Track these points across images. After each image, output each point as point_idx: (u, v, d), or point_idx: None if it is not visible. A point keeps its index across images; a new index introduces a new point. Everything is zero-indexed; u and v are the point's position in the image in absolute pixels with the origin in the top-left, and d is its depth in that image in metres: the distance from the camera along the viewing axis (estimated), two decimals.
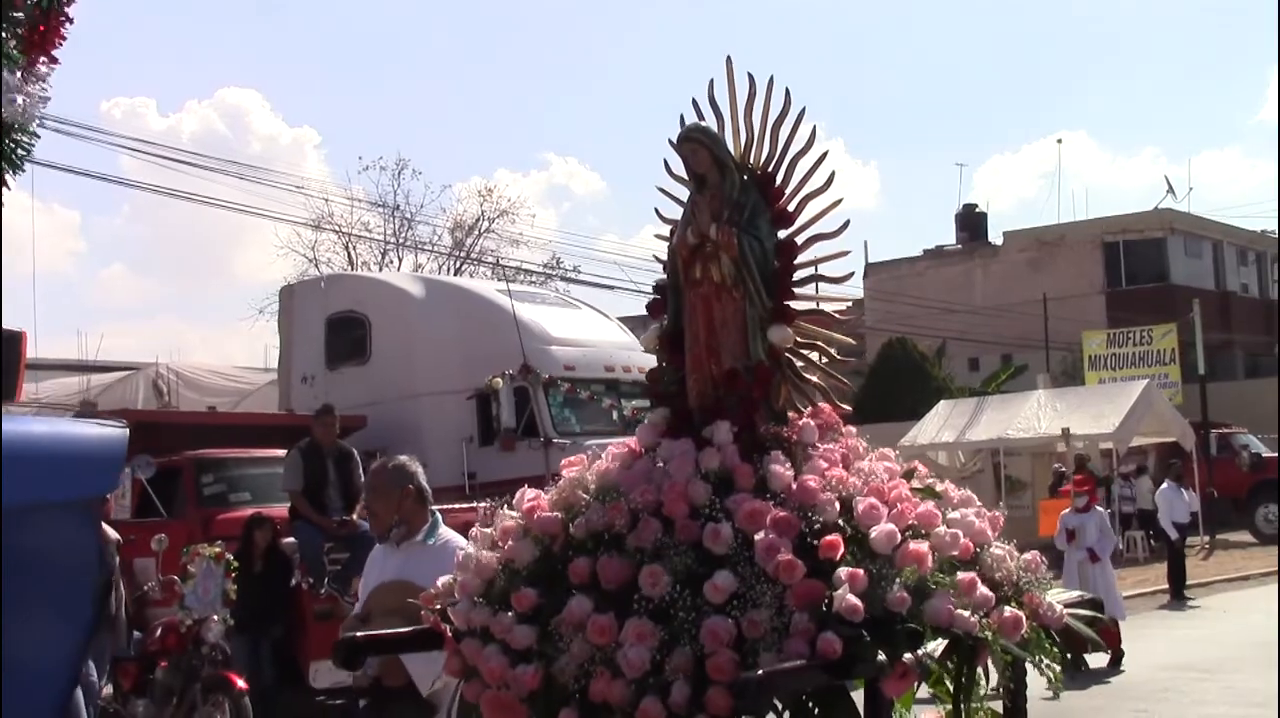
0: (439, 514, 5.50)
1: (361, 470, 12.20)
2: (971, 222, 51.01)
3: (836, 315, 4.13)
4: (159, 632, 9.67)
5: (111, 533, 9.86)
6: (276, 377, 20.24)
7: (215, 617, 9.27)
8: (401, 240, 40.87)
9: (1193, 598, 18.84)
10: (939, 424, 26.19)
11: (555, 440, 14.91)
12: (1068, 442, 24.27)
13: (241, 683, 9.14)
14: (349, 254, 41.56)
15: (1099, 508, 14.89)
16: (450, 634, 3.84)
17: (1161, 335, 32.80)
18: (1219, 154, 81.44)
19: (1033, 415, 25.73)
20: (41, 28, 4.81)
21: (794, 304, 4.07)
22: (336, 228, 39.99)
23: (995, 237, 50.78)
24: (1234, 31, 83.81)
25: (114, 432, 3.03)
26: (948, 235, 52.38)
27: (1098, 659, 12.38)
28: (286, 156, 64.05)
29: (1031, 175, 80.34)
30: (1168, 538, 19.19)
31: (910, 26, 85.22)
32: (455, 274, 39.63)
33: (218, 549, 9.55)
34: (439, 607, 3.94)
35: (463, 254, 41.28)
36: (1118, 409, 24.86)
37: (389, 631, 4.27)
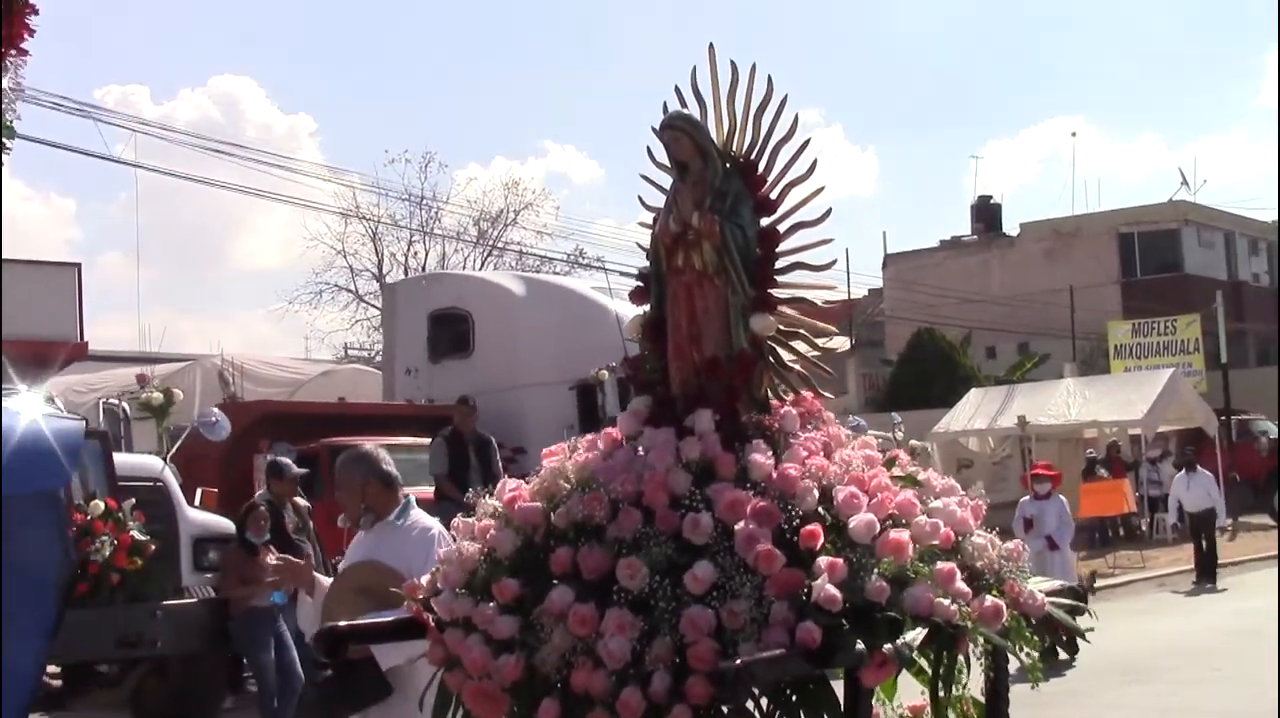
0: (412, 498, 5.57)
1: (499, 456, 13.62)
2: (987, 213, 51.90)
3: (820, 304, 4.13)
4: None
5: (302, 501, 11.17)
6: (323, 370, 21.48)
7: None
8: (429, 231, 41.16)
9: (1221, 582, 18.81)
10: (971, 412, 26.99)
11: None
12: (1099, 429, 25.42)
13: None
14: (375, 246, 42.02)
15: (1060, 496, 14.46)
16: (433, 624, 3.84)
17: (1186, 325, 33.76)
18: (1220, 139, 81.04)
19: (1063, 403, 26.49)
20: (5, 24, 4.80)
21: (777, 292, 4.06)
22: (363, 217, 40.24)
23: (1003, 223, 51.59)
24: (1231, 14, 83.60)
25: (70, 424, 3.02)
26: (950, 221, 52.91)
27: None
28: (282, 144, 63.88)
29: (1030, 160, 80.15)
30: (1192, 523, 19.22)
31: (904, 10, 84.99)
32: (481, 265, 40.74)
33: None
34: (422, 596, 3.95)
35: (489, 245, 41.67)
36: (1145, 397, 25.58)
37: (371, 620, 4.28)
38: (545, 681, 3.55)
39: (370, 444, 5.69)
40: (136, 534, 9.38)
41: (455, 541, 4.01)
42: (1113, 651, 12.02)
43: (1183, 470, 20.17)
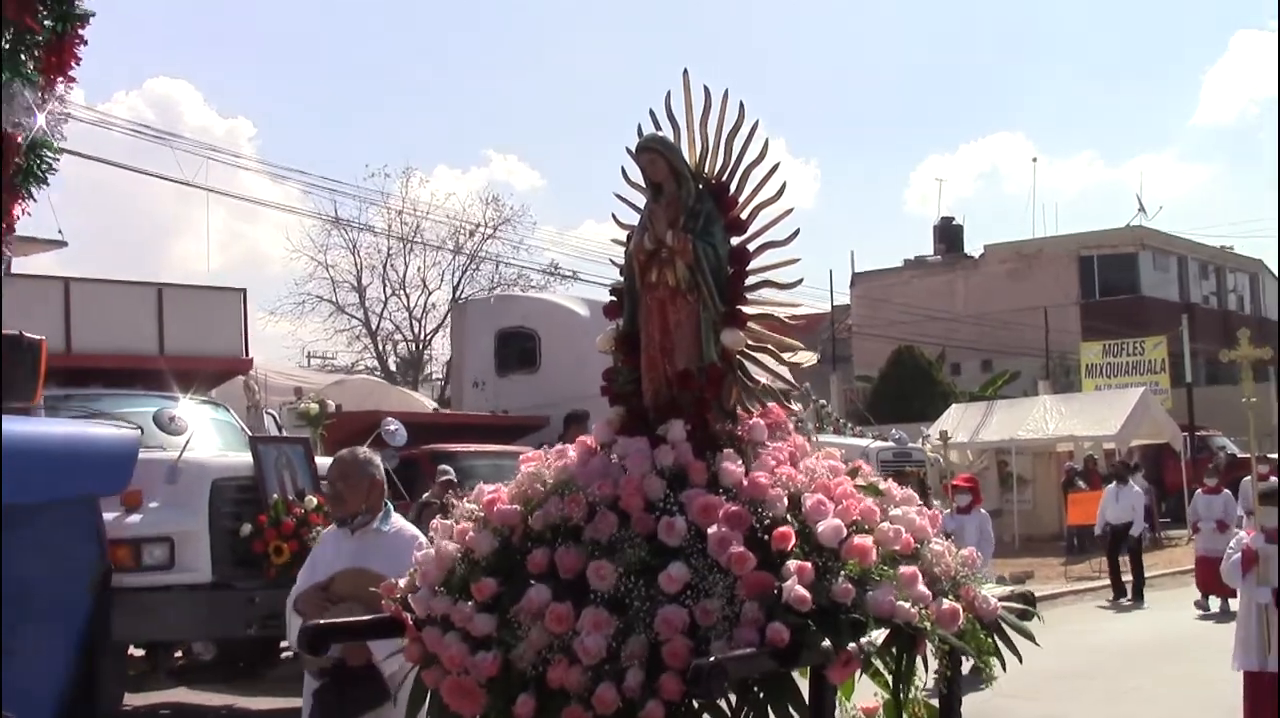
0: (390, 503, 5.72)
1: None
2: (949, 234, 54.21)
3: (787, 320, 4.31)
4: None
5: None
6: (335, 380, 22.97)
7: None
8: (409, 243, 41.74)
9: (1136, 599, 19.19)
10: (953, 426, 28.41)
11: None
12: (1075, 443, 27.50)
13: None
14: (355, 257, 43.14)
15: (982, 510, 14.31)
16: (411, 622, 3.97)
17: (1153, 346, 36.39)
18: (1155, 158, 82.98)
19: (1040, 419, 28.83)
20: (57, 53, 5.02)
21: (746, 308, 4.24)
22: (346, 223, 41.10)
23: (927, 234, 53.25)
24: (1169, 36, 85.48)
25: (126, 433, 3.15)
26: (888, 236, 54.37)
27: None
28: (220, 149, 63.36)
29: (968, 176, 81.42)
30: (1111, 535, 19.49)
31: (845, 23, 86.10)
32: (461, 276, 43.53)
33: None
34: (399, 596, 4.07)
35: (469, 257, 42.92)
36: (1118, 414, 28.00)
37: (352, 618, 4.39)
38: (522, 676, 3.68)
39: (365, 449, 5.83)
40: None
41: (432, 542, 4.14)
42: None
43: (1113, 483, 20.44)
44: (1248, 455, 29.52)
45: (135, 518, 10.22)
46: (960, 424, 29.07)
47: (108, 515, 10.34)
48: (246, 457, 10.79)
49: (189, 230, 65.34)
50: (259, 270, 71.30)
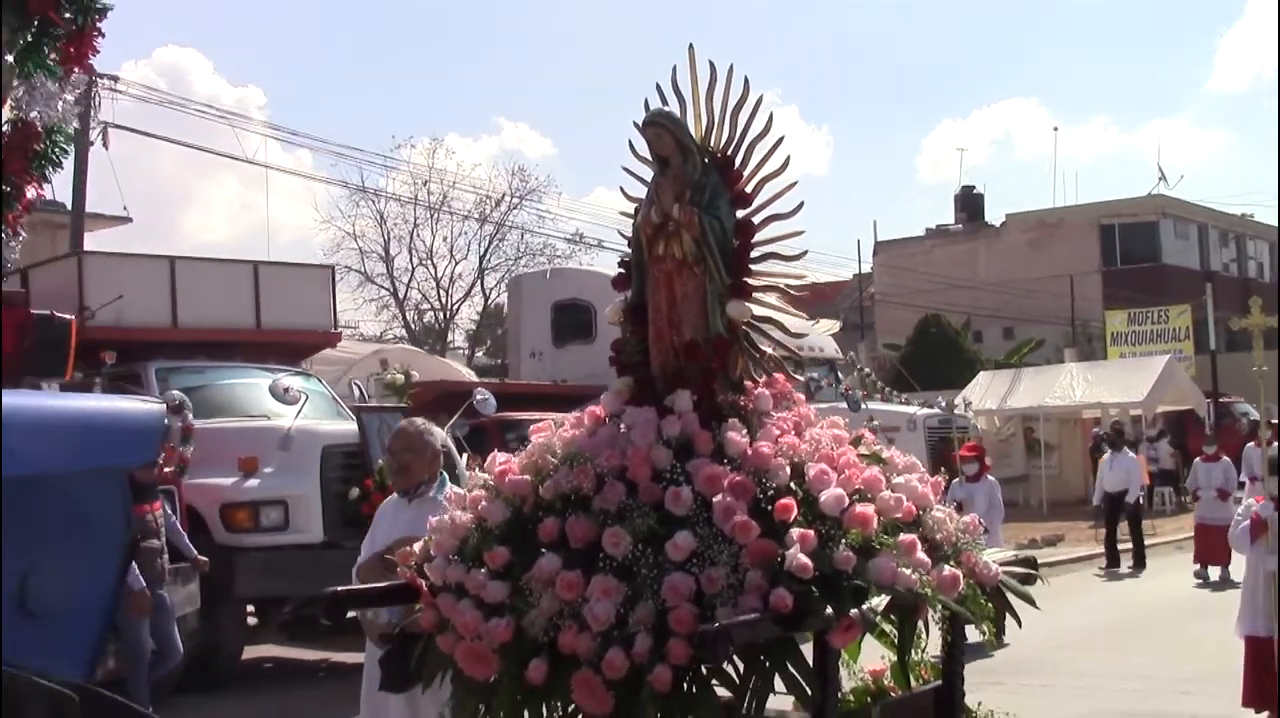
0: (444, 473, 5.97)
1: None
2: (970, 203, 54.03)
3: (793, 292, 4.38)
4: None
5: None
6: (373, 350, 22.67)
7: None
8: (435, 212, 42.08)
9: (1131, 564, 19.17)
10: (980, 393, 28.97)
11: None
12: (1102, 409, 27.84)
13: None
14: (382, 228, 43.43)
15: (990, 477, 14.08)
16: (426, 589, 4.07)
17: (1177, 315, 36.98)
18: (1169, 123, 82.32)
19: (1067, 386, 29.20)
20: (77, 44, 5.24)
21: (751, 280, 4.31)
22: (373, 192, 41.58)
23: (948, 197, 53.39)
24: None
25: (152, 408, 3.31)
26: (904, 201, 54.10)
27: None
28: (211, 115, 63.23)
29: (982, 142, 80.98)
30: (1107, 503, 19.37)
31: None
32: (488, 246, 43.64)
33: None
34: (415, 563, 4.18)
35: (495, 226, 43.04)
36: (1144, 381, 28.48)
37: (368, 585, 4.51)
38: (533, 642, 3.78)
39: (423, 419, 6.11)
40: None
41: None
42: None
43: (1108, 451, 20.19)
44: (1274, 420, 29.85)
45: (253, 482, 11.11)
46: (988, 391, 29.51)
47: (226, 480, 11.01)
48: (351, 424, 11.56)
49: (198, 201, 65.49)
50: (272, 238, 71.61)
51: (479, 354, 45.61)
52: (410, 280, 44.97)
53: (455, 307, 46.00)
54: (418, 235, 43.75)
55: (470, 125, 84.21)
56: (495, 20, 74.14)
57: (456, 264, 44.90)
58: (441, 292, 45.29)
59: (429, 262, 44.70)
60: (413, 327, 45.61)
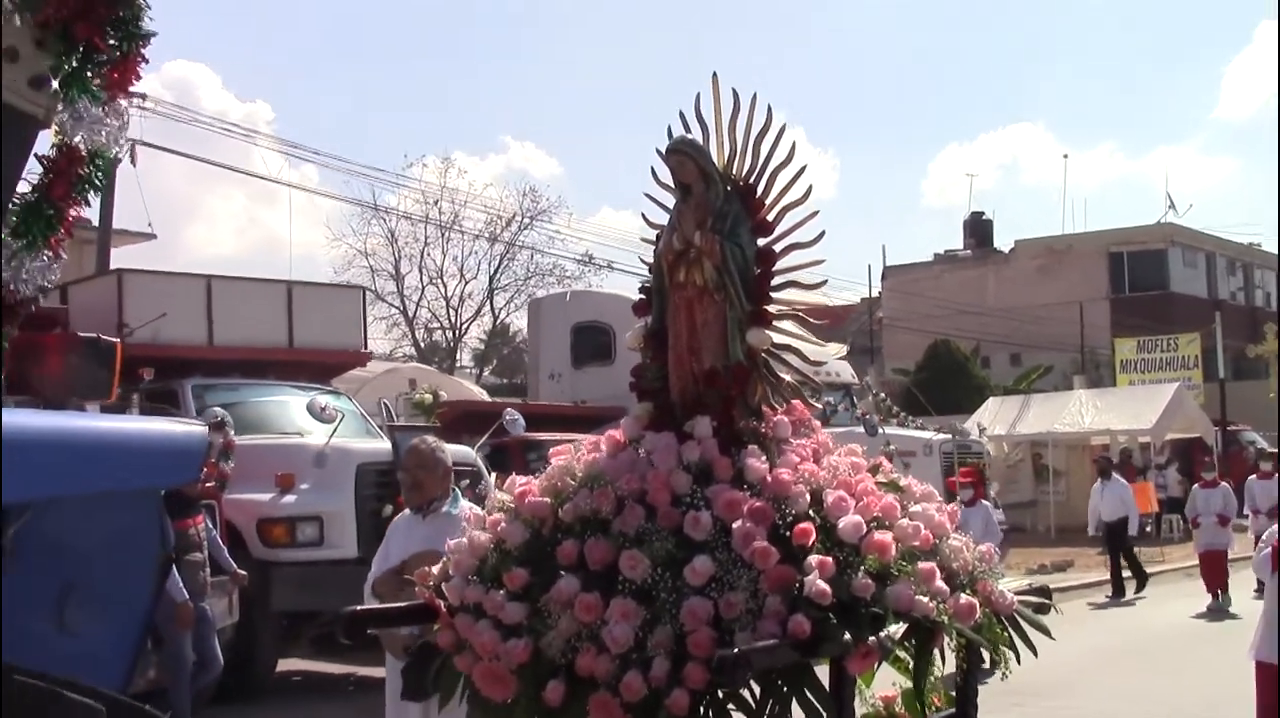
0: (457, 489, 6.18)
1: None
2: (979, 228, 54.65)
3: (811, 320, 4.41)
4: None
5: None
6: (386, 368, 23.00)
7: None
8: (446, 232, 42.35)
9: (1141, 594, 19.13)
10: (990, 419, 29.18)
11: None
12: (1111, 436, 28.17)
13: None
14: (394, 247, 43.76)
15: (984, 502, 13.92)
16: (445, 609, 4.10)
17: (1186, 343, 37.28)
18: (1176, 150, 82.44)
19: (1076, 413, 29.51)
20: (121, 70, 5.38)
21: (771, 308, 4.35)
22: (385, 214, 41.82)
23: (955, 222, 53.63)
24: (1190, 27, 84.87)
25: (195, 430, 3.37)
26: (910, 224, 54.25)
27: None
28: (237, 133, 63.52)
29: (989, 166, 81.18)
30: (1106, 532, 19.27)
31: (861, 11, 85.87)
32: (499, 267, 44.07)
33: None
34: (433, 583, 4.21)
35: (505, 245, 43.40)
36: (1153, 408, 28.76)
37: (387, 605, 4.53)
38: (551, 664, 3.80)
39: (434, 438, 6.28)
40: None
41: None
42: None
43: (1098, 480, 19.98)
44: (1274, 450, 29.89)
45: (290, 499, 11.28)
46: (997, 417, 29.68)
47: (264, 496, 11.17)
48: (384, 443, 11.70)
49: (202, 215, 65.62)
50: (280, 254, 71.79)
51: (486, 373, 45.72)
52: (420, 299, 45.15)
53: (465, 326, 46.18)
54: (428, 254, 43.97)
55: (477, 144, 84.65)
56: (501, 39, 74.60)
57: (466, 283, 45.08)
58: (451, 311, 45.46)
59: (439, 280, 44.88)
60: (421, 345, 45.73)
